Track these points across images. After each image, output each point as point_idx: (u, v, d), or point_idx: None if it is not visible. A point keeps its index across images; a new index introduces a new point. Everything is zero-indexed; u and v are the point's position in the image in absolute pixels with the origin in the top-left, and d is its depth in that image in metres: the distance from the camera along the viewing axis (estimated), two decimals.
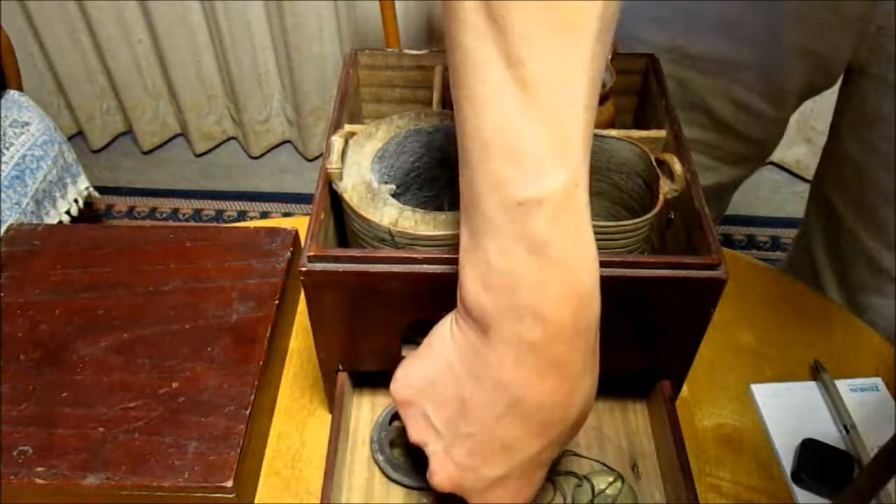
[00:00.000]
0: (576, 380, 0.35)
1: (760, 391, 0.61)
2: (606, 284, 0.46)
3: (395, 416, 0.57)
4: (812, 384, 0.61)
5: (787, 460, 0.56)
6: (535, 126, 0.31)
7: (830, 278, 0.80)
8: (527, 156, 0.31)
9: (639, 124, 0.65)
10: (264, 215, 1.81)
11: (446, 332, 0.38)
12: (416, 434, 0.41)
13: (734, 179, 0.87)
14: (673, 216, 0.55)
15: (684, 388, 0.59)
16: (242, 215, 1.82)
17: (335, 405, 0.54)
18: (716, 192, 0.88)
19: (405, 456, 0.55)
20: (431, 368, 0.39)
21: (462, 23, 0.31)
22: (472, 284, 0.35)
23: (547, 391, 0.34)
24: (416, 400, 0.40)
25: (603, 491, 0.51)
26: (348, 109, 0.59)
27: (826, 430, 0.58)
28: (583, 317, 0.34)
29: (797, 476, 0.55)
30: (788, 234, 1.69)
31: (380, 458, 0.55)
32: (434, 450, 0.40)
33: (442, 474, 0.39)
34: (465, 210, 0.35)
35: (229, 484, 0.49)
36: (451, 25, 0.32)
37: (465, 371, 0.37)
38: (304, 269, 0.46)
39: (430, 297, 0.47)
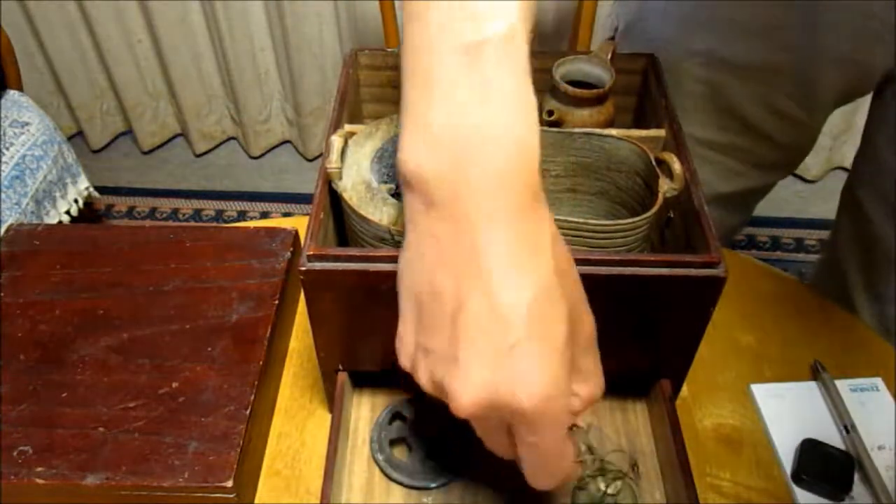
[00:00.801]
0: (541, 227, 0.33)
1: (760, 391, 0.61)
2: (606, 283, 0.46)
3: (396, 416, 0.57)
4: (812, 384, 0.61)
5: (787, 460, 0.56)
6: None
7: (859, 285, 0.79)
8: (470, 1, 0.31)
9: (639, 124, 0.65)
10: (264, 215, 1.81)
11: (402, 258, 0.36)
12: (424, 377, 0.36)
13: (764, 185, 0.86)
14: (672, 215, 0.55)
15: (684, 388, 0.59)
16: (242, 215, 1.82)
17: (335, 405, 0.54)
18: (745, 197, 0.87)
19: (405, 455, 0.55)
20: (408, 303, 0.36)
21: None
22: (411, 152, 0.33)
23: (509, 238, 0.32)
24: (415, 347, 0.36)
25: (604, 492, 0.51)
26: (348, 109, 0.59)
27: (826, 430, 0.58)
28: (528, 165, 0.32)
29: (797, 476, 0.55)
30: (788, 234, 1.69)
31: (380, 457, 0.55)
32: (442, 373, 0.34)
33: (462, 386, 0.33)
34: (407, 70, 0.33)
35: (229, 484, 0.49)
36: None
37: (428, 268, 0.34)
38: (303, 268, 0.46)
39: None
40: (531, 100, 0.33)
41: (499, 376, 0.33)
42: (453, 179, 0.32)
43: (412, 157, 0.33)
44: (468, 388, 0.33)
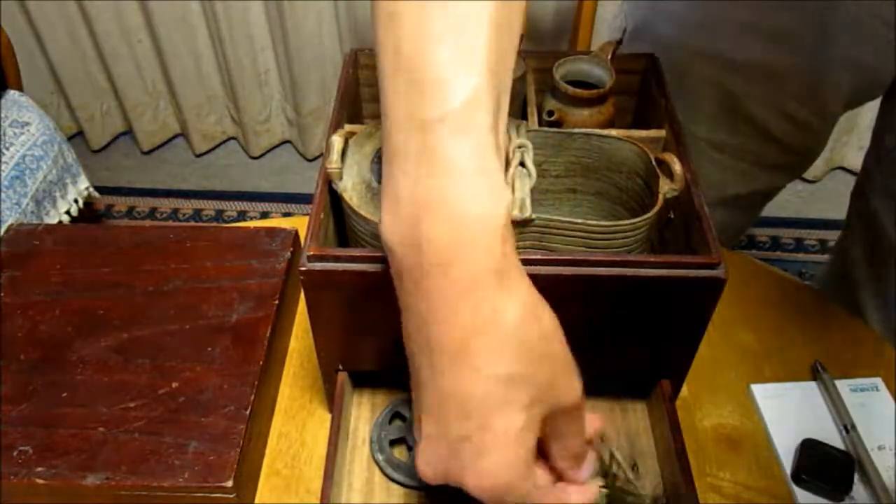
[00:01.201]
0: (504, 304, 0.33)
1: (760, 391, 0.61)
2: (606, 284, 0.46)
3: (395, 416, 0.57)
4: (812, 384, 0.61)
5: (787, 460, 0.56)
6: (440, 46, 0.32)
7: (867, 289, 0.79)
8: (430, 75, 0.32)
9: (639, 124, 0.65)
10: (264, 215, 1.81)
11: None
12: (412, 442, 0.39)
13: (774, 187, 0.86)
14: (672, 216, 0.55)
15: (684, 388, 0.59)
16: (242, 215, 1.82)
17: (335, 405, 0.54)
18: (753, 199, 0.87)
19: (405, 456, 0.55)
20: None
21: None
22: (385, 221, 0.34)
23: (467, 321, 0.32)
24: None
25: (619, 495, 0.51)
26: (348, 109, 0.59)
27: (826, 430, 0.58)
28: (485, 240, 0.32)
29: (797, 476, 0.55)
30: (788, 234, 1.69)
31: (380, 457, 0.55)
32: (416, 442, 0.37)
33: (420, 461, 0.36)
34: (382, 135, 0.34)
35: (229, 484, 0.49)
36: None
37: (405, 334, 0.35)
38: (303, 268, 0.46)
39: None
40: (493, 171, 0.33)
41: (450, 463, 0.34)
42: (413, 252, 0.32)
43: (384, 225, 0.34)
44: (426, 466, 0.35)
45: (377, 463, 0.55)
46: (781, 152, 0.78)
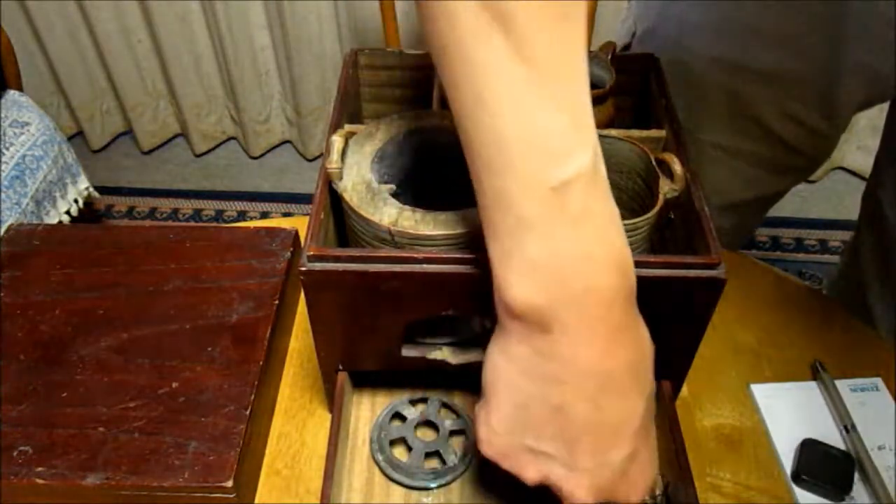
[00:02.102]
0: (640, 329, 0.38)
1: (760, 391, 0.61)
2: None
3: (395, 416, 0.57)
4: (812, 384, 0.61)
5: (787, 460, 0.56)
6: (556, 114, 0.33)
7: (877, 293, 0.78)
8: (554, 143, 0.33)
9: (639, 124, 0.65)
10: (264, 215, 1.81)
11: (501, 364, 0.39)
12: (534, 473, 0.40)
13: (780, 191, 0.86)
14: (672, 216, 0.55)
15: (684, 388, 0.59)
16: (242, 215, 1.82)
17: (335, 405, 0.54)
18: (760, 203, 0.87)
19: (405, 455, 0.55)
20: (508, 405, 0.39)
21: (462, 27, 0.32)
22: (518, 289, 0.35)
23: (625, 352, 0.36)
24: (513, 443, 0.39)
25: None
26: (348, 109, 0.59)
27: (826, 430, 0.58)
28: (628, 276, 0.36)
29: (797, 476, 0.55)
30: (788, 234, 1.69)
31: (379, 457, 0.55)
32: (559, 475, 0.39)
33: (582, 491, 0.38)
34: (491, 218, 0.36)
35: (229, 484, 0.49)
36: (446, 31, 0.32)
37: (542, 383, 0.37)
38: (303, 268, 0.46)
39: (430, 296, 0.47)
40: (618, 219, 0.36)
41: (614, 484, 0.38)
42: (562, 307, 0.35)
43: (519, 292, 0.35)
44: (587, 492, 0.38)
45: (377, 463, 0.55)
46: (790, 156, 0.78)
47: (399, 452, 0.56)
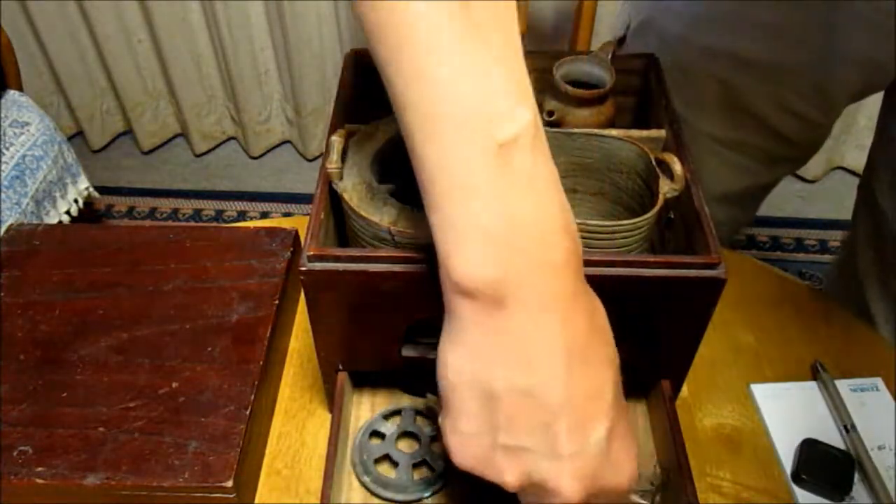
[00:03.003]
0: (593, 295, 0.36)
1: (760, 391, 0.61)
2: (606, 284, 0.46)
3: (373, 434, 0.56)
4: (812, 384, 0.61)
5: (787, 460, 0.56)
6: (497, 72, 0.32)
7: (873, 285, 0.78)
8: (498, 102, 0.32)
9: (639, 124, 0.65)
10: (264, 215, 1.81)
11: (455, 359, 0.35)
12: (515, 475, 0.35)
13: (773, 181, 0.86)
14: (673, 216, 0.55)
15: (684, 388, 0.59)
16: (242, 215, 1.82)
17: (335, 405, 0.54)
18: (754, 193, 0.87)
19: (392, 472, 0.54)
20: (473, 403, 0.35)
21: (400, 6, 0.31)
22: (468, 262, 0.33)
23: (584, 319, 0.34)
24: (487, 445, 0.35)
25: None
26: (348, 109, 0.59)
27: (826, 430, 0.58)
28: (577, 240, 0.34)
29: (797, 476, 0.55)
30: (788, 234, 1.69)
31: (367, 479, 0.54)
32: (541, 470, 0.34)
33: (568, 480, 0.34)
34: (432, 190, 0.33)
35: (229, 484, 0.49)
36: (384, 13, 0.32)
37: (505, 367, 0.34)
38: (303, 268, 0.46)
39: (429, 296, 0.47)
40: (559, 181, 0.34)
41: (600, 467, 0.35)
42: (517, 278, 0.32)
43: (469, 265, 0.33)
44: (573, 481, 0.34)
45: (364, 486, 0.53)
46: (783, 146, 0.78)
47: (385, 469, 0.55)
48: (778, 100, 0.73)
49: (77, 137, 1.99)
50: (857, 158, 1.74)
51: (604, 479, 0.35)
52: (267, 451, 0.57)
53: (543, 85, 0.62)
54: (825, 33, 0.66)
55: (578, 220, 0.49)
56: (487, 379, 0.34)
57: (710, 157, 0.78)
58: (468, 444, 0.36)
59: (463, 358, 0.35)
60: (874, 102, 0.77)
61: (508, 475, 0.35)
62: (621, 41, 0.82)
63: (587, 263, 0.45)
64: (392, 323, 0.50)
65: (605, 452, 0.35)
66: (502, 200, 0.32)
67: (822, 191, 1.77)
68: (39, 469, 0.49)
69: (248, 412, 0.52)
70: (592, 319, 0.35)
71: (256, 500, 0.54)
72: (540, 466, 0.35)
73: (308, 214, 0.48)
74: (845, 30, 0.65)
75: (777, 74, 0.71)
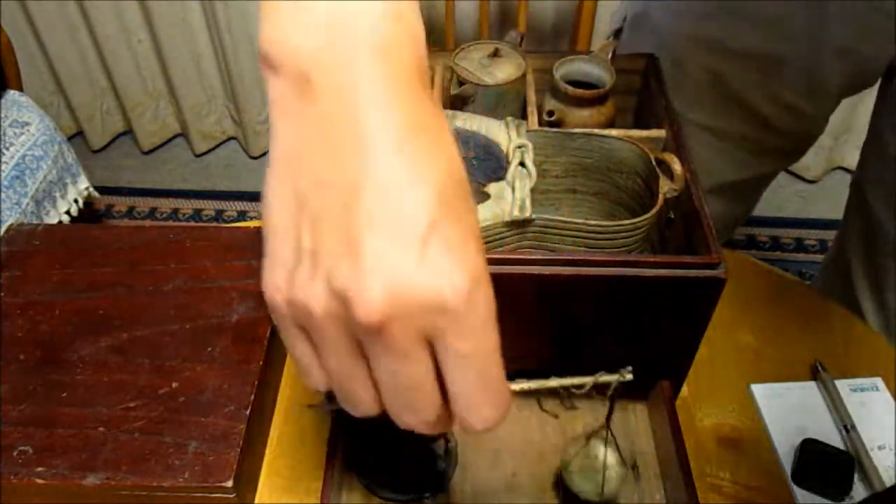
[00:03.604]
0: (431, 101, 0.29)
1: (760, 391, 0.61)
2: (606, 284, 0.46)
3: (373, 433, 0.56)
4: (812, 384, 0.61)
5: (787, 460, 0.56)
6: None
7: (863, 281, 0.79)
8: None
9: (639, 124, 0.65)
10: None
11: (270, 179, 0.29)
12: (321, 300, 0.27)
13: (771, 172, 0.86)
14: (673, 216, 0.55)
15: (684, 388, 0.59)
16: (242, 215, 1.82)
17: (332, 402, 0.54)
18: (751, 186, 0.87)
19: (388, 471, 0.54)
20: (285, 213, 0.28)
21: None
22: (279, 29, 0.28)
23: (417, 114, 0.28)
24: (290, 274, 0.28)
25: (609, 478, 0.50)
26: None
27: (826, 430, 0.58)
28: (409, 36, 0.29)
29: (797, 476, 0.55)
30: (789, 234, 1.69)
31: (364, 480, 0.54)
32: (348, 275, 0.27)
33: (370, 290, 0.26)
34: None
35: (229, 484, 0.49)
36: None
37: (314, 162, 0.28)
38: None
39: None
40: None
41: (415, 267, 0.26)
42: (332, 55, 0.27)
43: (282, 35, 0.28)
44: (377, 284, 0.26)
45: (364, 485, 0.53)
46: (776, 138, 0.78)
47: (384, 469, 0.54)
48: (767, 90, 0.73)
49: (77, 137, 1.98)
50: (857, 159, 1.74)
51: (415, 289, 0.26)
52: (267, 451, 0.57)
53: (543, 85, 0.62)
54: (813, 24, 0.67)
55: (578, 221, 0.49)
56: (293, 177, 0.28)
57: (702, 147, 0.78)
58: (272, 271, 0.29)
59: (272, 165, 0.29)
60: (873, 98, 0.77)
61: (313, 300, 0.27)
62: (617, 33, 0.82)
63: (588, 263, 0.45)
64: None
65: (418, 253, 0.26)
66: None
67: (822, 191, 1.77)
68: (39, 469, 0.49)
69: (248, 412, 0.52)
70: (421, 118, 0.28)
71: (256, 500, 0.54)
72: (340, 271, 0.27)
73: None
74: (833, 21, 0.66)
75: (767, 65, 0.72)
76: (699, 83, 0.75)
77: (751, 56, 0.71)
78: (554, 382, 0.39)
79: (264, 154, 1.98)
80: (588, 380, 0.41)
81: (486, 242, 0.48)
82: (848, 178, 1.84)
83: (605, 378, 0.43)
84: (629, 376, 0.43)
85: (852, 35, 0.66)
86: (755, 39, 0.70)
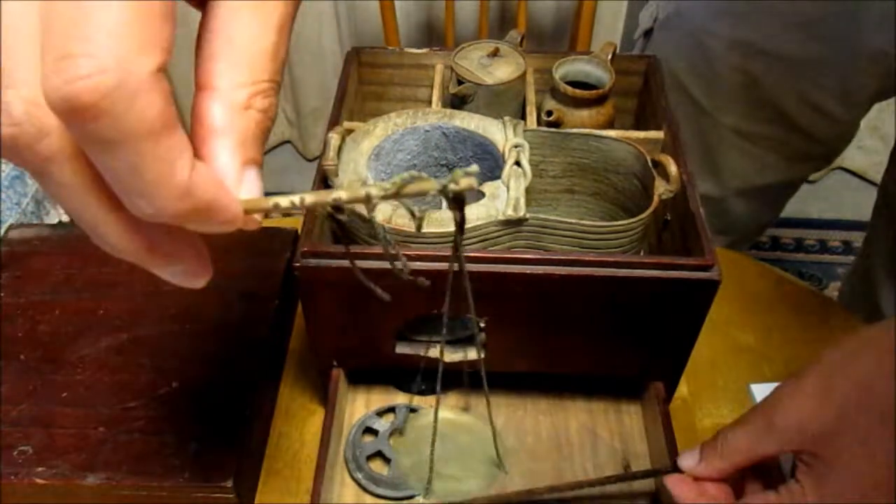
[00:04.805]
0: None
1: (760, 391, 0.61)
2: (601, 285, 0.46)
3: (366, 431, 0.56)
4: None
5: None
6: None
7: (889, 288, 0.78)
8: None
9: (640, 126, 0.65)
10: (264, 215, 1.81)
11: None
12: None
13: (797, 178, 0.86)
14: (669, 217, 0.55)
15: (684, 388, 0.59)
16: None
17: (329, 401, 0.54)
18: (778, 191, 0.87)
19: (385, 469, 0.54)
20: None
21: None
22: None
23: None
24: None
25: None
26: (348, 108, 0.59)
27: None
28: None
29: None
30: (789, 235, 1.69)
31: (359, 476, 0.54)
32: None
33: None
34: None
35: (229, 484, 0.49)
36: None
37: None
38: (298, 265, 0.46)
39: (424, 294, 0.47)
40: None
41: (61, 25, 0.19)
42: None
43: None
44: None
45: (357, 482, 0.53)
46: (806, 143, 0.78)
47: (377, 466, 0.55)
48: (800, 94, 0.73)
49: None
50: (858, 159, 1.73)
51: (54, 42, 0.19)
52: (267, 451, 0.57)
53: (543, 85, 0.62)
54: (848, 28, 0.66)
55: (573, 221, 0.49)
56: None
57: (731, 150, 0.78)
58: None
59: None
60: (875, 105, 0.77)
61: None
62: (648, 34, 0.82)
63: (582, 263, 0.45)
64: (386, 320, 0.50)
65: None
66: None
67: (822, 191, 1.77)
68: (39, 469, 0.49)
69: (248, 412, 0.52)
70: None
71: (256, 500, 0.55)
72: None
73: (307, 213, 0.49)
74: (868, 25, 0.65)
75: (800, 69, 0.71)
76: (732, 85, 0.74)
77: (785, 59, 0.71)
78: None
79: (264, 154, 1.98)
80: None
81: (481, 241, 0.48)
82: (848, 178, 1.85)
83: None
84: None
85: (887, 39, 0.66)
86: (790, 42, 0.70)
